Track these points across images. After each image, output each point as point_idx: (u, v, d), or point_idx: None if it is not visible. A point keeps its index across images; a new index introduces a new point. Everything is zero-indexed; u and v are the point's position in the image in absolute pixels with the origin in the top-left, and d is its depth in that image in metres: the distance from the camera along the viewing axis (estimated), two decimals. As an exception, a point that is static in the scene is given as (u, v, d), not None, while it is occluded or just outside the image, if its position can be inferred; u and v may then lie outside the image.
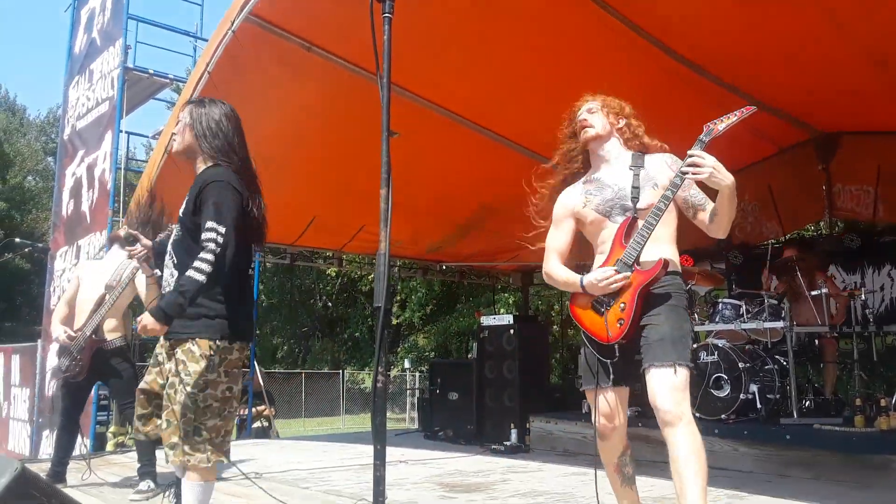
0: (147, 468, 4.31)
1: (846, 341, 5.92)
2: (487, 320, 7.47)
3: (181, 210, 2.71)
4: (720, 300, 6.13)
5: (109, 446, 6.82)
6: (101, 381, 4.59)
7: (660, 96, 6.07)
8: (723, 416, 5.46)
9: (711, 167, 2.47)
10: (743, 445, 5.12)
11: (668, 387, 2.48)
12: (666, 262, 2.59)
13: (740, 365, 5.45)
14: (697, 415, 5.57)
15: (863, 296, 5.80)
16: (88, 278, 4.56)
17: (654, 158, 2.78)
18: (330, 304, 23.49)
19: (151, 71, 7.89)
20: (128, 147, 8.01)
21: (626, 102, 2.96)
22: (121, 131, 7.57)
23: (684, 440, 2.49)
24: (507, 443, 6.54)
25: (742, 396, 5.38)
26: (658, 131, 7.31)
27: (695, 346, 5.90)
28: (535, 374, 7.26)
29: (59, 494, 2.33)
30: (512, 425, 6.77)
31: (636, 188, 2.69)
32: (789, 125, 6.86)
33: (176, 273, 2.65)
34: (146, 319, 2.46)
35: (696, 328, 6.21)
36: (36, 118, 35.40)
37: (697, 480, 2.46)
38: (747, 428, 5.23)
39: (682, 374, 2.50)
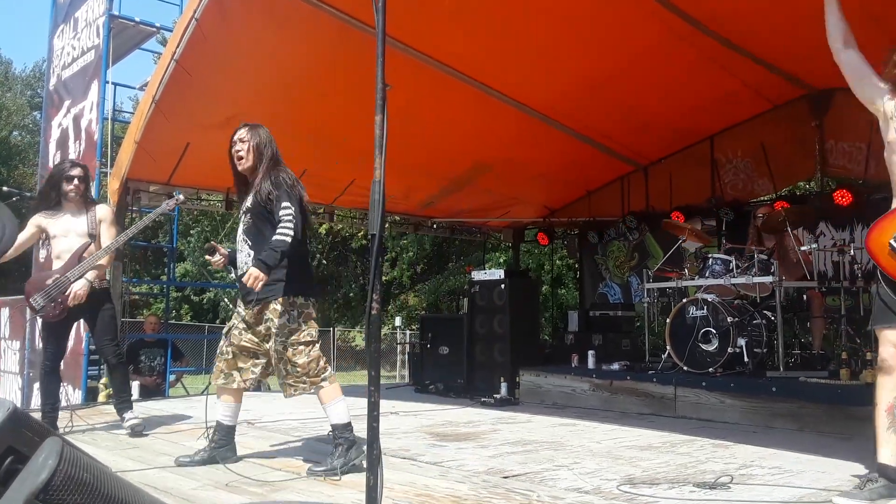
0: (125, 402, 4.57)
1: (834, 297, 5.97)
2: (478, 275, 7.49)
3: (249, 204, 3.50)
4: (710, 255, 6.16)
5: (101, 397, 6.84)
6: (83, 318, 4.66)
7: (655, 50, 6.01)
8: (710, 369, 5.53)
9: None
10: (729, 397, 5.20)
11: None
12: None
13: (729, 319, 5.50)
14: (685, 368, 5.68)
15: (851, 251, 5.84)
16: (61, 228, 4.54)
17: None
18: (325, 261, 23.48)
19: (137, 19, 7.72)
20: (114, 99, 7.88)
21: None
22: (107, 82, 7.43)
23: None
24: (497, 396, 6.60)
25: (730, 350, 5.44)
26: (654, 84, 7.28)
27: (684, 300, 5.95)
28: (526, 328, 7.30)
29: (51, 434, 2.34)
30: (502, 379, 6.83)
31: None
32: (784, 81, 6.82)
33: (252, 252, 3.43)
34: (253, 271, 3.20)
35: (686, 283, 6.24)
36: (22, 72, 34.74)
37: None
38: (734, 381, 5.30)
39: None
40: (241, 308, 3.61)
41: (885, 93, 2.98)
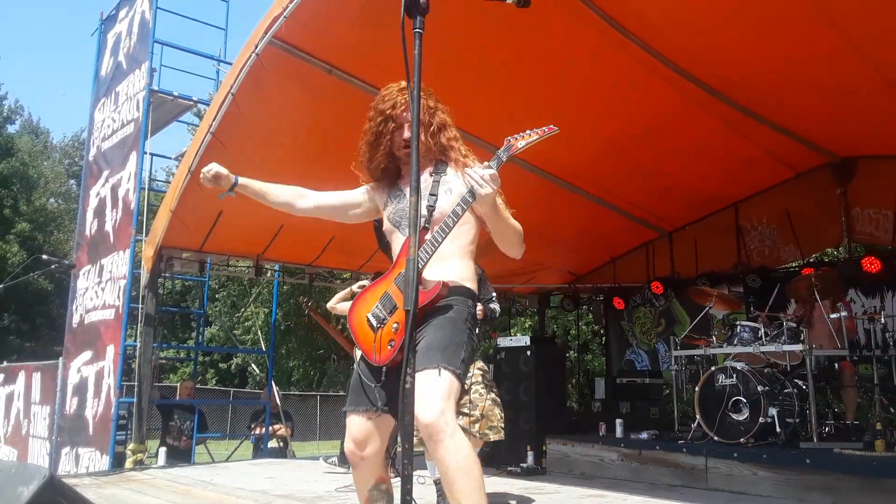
0: None
1: (866, 366, 5.87)
2: (504, 342, 7.47)
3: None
4: (738, 323, 6.11)
5: (128, 463, 6.86)
6: None
7: (675, 116, 6.13)
8: (742, 439, 5.41)
9: (489, 186, 2.27)
10: (762, 469, 5.07)
11: (429, 394, 2.17)
12: (446, 285, 2.37)
13: (759, 388, 5.41)
14: (716, 438, 5.57)
15: (882, 319, 5.77)
16: None
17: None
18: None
19: (176, 93, 8.05)
20: (151, 168, 8.15)
21: (441, 107, 2.78)
22: (145, 153, 7.71)
23: (449, 456, 2.16)
24: (524, 465, 6.51)
25: (761, 420, 5.33)
26: (675, 151, 7.35)
27: (713, 368, 5.87)
28: (552, 396, 7.23)
29: (86, 502, 2.37)
30: (528, 447, 6.73)
31: (434, 195, 2.52)
32: (806, 149, 6.88)
33: None
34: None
35: (714, 351, 6.17)
36: (60, 142, 36.09)
37: (469, 499, 2.16)
38: (766, 452, 5.18)
39: (448, 380, 2.21)
40: None
41: (374, 192, 2.80)
